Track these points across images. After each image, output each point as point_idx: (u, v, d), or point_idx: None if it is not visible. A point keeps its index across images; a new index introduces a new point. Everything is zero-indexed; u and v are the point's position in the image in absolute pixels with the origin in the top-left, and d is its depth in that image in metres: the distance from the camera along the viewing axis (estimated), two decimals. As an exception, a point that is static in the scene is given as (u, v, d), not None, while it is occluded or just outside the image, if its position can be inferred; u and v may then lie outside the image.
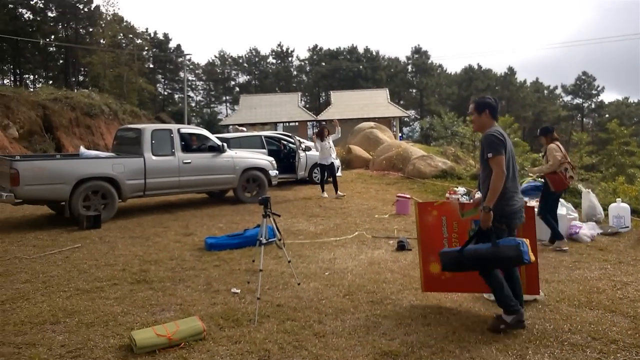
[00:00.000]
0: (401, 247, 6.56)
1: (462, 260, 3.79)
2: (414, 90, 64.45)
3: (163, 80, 61.38)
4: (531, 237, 4.01)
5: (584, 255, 6.15)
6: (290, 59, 67.20)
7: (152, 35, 56.48)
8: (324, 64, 63.88)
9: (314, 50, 65.98)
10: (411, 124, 63.75)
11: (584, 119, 68.25)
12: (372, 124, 23.39)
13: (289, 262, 4.88)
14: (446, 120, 41.64)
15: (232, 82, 67.39)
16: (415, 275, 5.30)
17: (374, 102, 43.62)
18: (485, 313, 4.14)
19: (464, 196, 8.66)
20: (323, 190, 11.69)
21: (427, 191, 12.59)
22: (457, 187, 9.74)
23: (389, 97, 44.90)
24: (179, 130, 9.82)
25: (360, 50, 64.34)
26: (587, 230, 7.01)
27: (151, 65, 56.61)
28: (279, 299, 4.59)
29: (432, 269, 4.48)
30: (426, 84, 61.00)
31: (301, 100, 49.18)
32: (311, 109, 52.92)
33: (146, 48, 51.73)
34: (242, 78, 67.35)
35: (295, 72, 68.10)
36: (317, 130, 12.10)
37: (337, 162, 15.01)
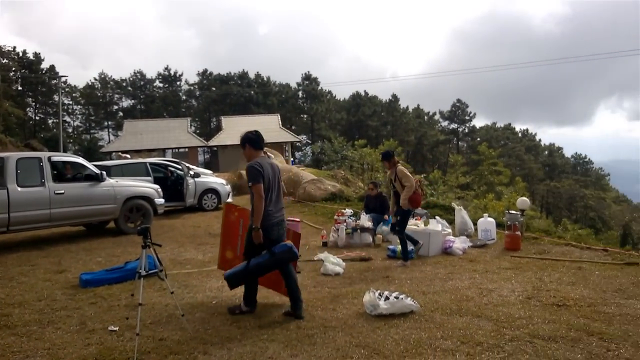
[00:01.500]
0: (290, 270, 6.60)
1: (250, 274, 4.65)
2: (305, 116, 66.01)
3: (34, 103, 56.35)
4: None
5: (457, 267, 6.67)
6: (178, 83, 65.47)
7: (21, 54, 51.85)
8: (214, 88, 63.16)
9: (204, 74, 65.07)
10: (303, 148, 65.00)
11: (459, 142, 74.58)
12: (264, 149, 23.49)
13: (172, 293, 4.69)
14: (336, 144, 43.16)
15: (115, 107, 63.83)
16: (303, 297, 5.36)
17: (266, 127, 43.81)
18: (368, 328, 4.29)
19: (351, 217, 8.99)
20: None
21: (318, 214, 12.88)
22: (345, 209, 10.07)
23: (280, 123, 45.52)
24: (49, 158, 9.03)
25: (252, 75, 64.73)
26: (460, 244, 7.63)
27: (19, 88, 51.86)
28: (162, 332, 4.38)
29: (227, 255, 5.53)
30: (316, 110, 62.82)
31: (191, 125, 47.99)
32: (202, 135, 51.90)
33: (13, 69, 47.39)
34: (127, 102, 64.10)
35: (184, 97, 66.42)
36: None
37: (227, 188, 14.83)
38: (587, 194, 63.27)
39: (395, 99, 69.57)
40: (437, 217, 8.64)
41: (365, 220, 8.50)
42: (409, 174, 6.95)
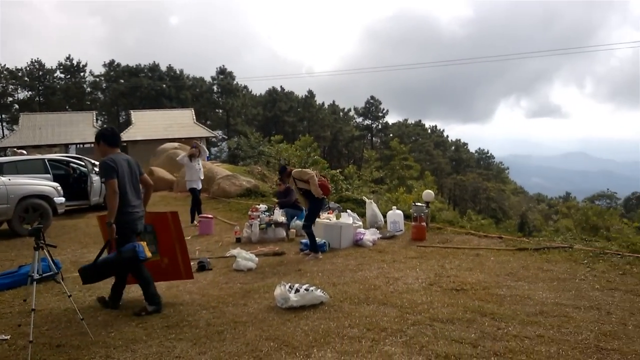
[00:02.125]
0: (202, 267, 6.49)
1: (99, 270, 4.66)
2: (220, 111, 64.71)
3: None
4: (167, 241, 5.21)
5: (366, 258, 6.91)
6: (82, 74, 61.28)
7: None
8: (122, 81, 59.89)
9: (111, 65, 61.43)
10: (219, 144, 63.73)
11: (374, 138, 76.89)
12: (175, 144, 22.75)
13: (70, 296, 4.43)
14: (252, 140, 42.80)
15: (10, 99, 58.54)
16: (215, 294, 5.31)
17: (179, 122, 42.53)
18: (278, 321, 4.34)
19: (266, 212, 9.00)
20: (193, 220, 10.40)
21: (232, 210, 12.73)
22: (260, 205, 10.06)
23: (194, 117, 44.25)
24: None
25: (163, 68, 62.20)
26: (370, 236, 7.90)
27: None
28: (59, 338, 4.14)
29: None
30: (232, 105, 61.79)
31: (97, 119, 45.28)
32: (110, 130, 49.02)
33: None
34: (23, 94, 58.95)
35: (89, 89, 62.32)
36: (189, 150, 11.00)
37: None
38: (489, 186, 67.96)
39: (311, 94, 70.20)
40: (348, 210, 8.89)
41: (279, 215, 8.55)
42: (302, 169, 7.23)
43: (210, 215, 9.41)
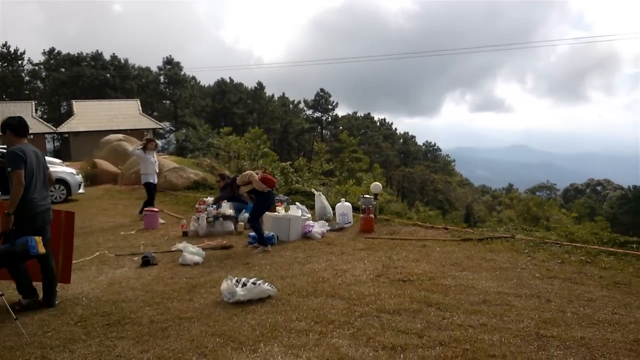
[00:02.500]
0: (146, 262, 6.26)
1: None
2: (168, 102, 62.91)
3: None
4: (54, 241, 4.95)
5: (315, 250, 6.89)
6: (20, 62, 57.83)
7: None
8: (63, 69, 57.02)
9: (51, 54, 58.29)
10: (166, 136, 61.98)
11: (323, 131, 77.13)
12: (120, 136, 21.89)
13: (2, 295, 4.15)
14: (201, 132, 41.99)
15: (-62, 87, 54.53)
16: (159, 290, 5.13)
17: (124, 113, 41.04)
18: (225, 316, 4.23)
19: (213, 205, 8.79)
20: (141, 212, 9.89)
21: (179, 203, 12.40)
22: (207, 197, 9.83)
23: (140, 108, 42.81)
24: None
25: (107, 57, 59.65)
26: (318, 228, 7.88)
27: None
28: (-11, 341, 3.86)
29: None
30: (180, 96, 60.18)
31: (36, 109, 42.84)
32: (50, 120, 46.69)
33: None
34: (-47, 82, 54.99)
35: (27, 78, 58.93)
36: (142, 142, 10.35)
37: (78, 178, 13.58)
38: (436, 178, 69.84)
39: (260, 86, 69.49)
40: (297, 203, 8.83)
41: (227, 208, 8.37)
42: (241, 174, 7.36)
43: (156, 209, 9.10)
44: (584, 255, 6.29)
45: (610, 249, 6.45)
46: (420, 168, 72.16)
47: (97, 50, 59.47)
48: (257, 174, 7.09)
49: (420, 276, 5.41)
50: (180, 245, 6.38)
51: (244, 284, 4.48)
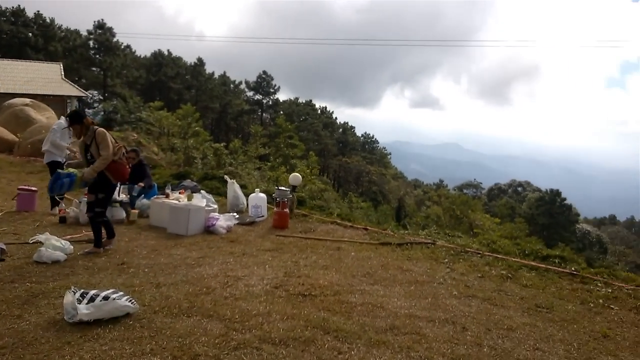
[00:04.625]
0: (-6, 255, 5.03)
1: None
2: (96, 69, 58.78)
3: None
4: None
5: (213, 249, 5.95)
6: None
7: None
8: (-23, 23, 51.65)
9: (-36, 4, 52.66)
10: (94, 105, 58.02)
11: (264, 114, 75.47)
12: (27, 100, 19.57)
13: None
14: (131, 104, 39.52)
15: None
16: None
17: (44, 76, 37.51)
18: (54, 344, 3.22)
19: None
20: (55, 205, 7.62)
21: (78, 181, 10.95)
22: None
23: (63, 73, 39.41)
24: None
25: (30, 14, 54.64)
26: (224, 221, 6.94)
27: None
28: None
29: None
30: (110, 64, 56.34)
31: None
32: (-44, 78, 42.10)
33: None
34: None
35: None
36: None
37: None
38: (371, 170, 70.45)
39: (200, 62, 66.71)
40: (203, 191, 7.84)
41: (119, 192, 7.18)
42: (109, 140, 5.40)
43: (34, 188, 7.73)
44: (505, 269, 5.80)
45: (532, 263, 6.01)
46: (357, 159, 72.47)
47: (19, 6, 54.35)
48: (120, 150, 5.55)
49: (324, 289, 4.64)
50: (41, 237, 5.18)
51: (92, 299, 3.48)
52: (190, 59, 67.65)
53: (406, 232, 7.75)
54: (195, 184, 8.96)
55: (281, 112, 69.88)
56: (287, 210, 7.58)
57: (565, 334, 4.01)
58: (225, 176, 8.64)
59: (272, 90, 73.49)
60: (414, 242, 6.85)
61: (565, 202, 56.11)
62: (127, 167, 5.69)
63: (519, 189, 77.47)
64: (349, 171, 72.13)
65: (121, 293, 3.73)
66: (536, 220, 54.29)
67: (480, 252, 6.43)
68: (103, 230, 5.57)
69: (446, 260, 6.10)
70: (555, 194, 56.31)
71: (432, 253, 6.40)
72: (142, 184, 7.77)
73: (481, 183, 79.80)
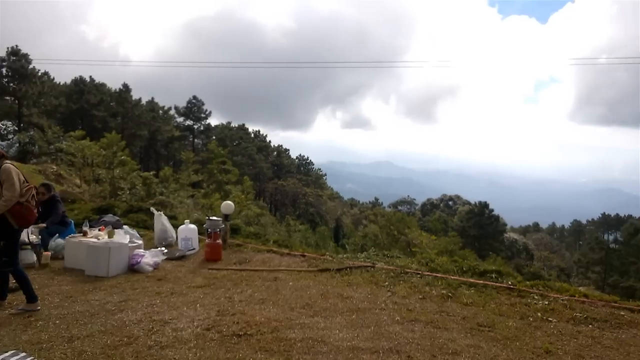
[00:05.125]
0: None
1: None
2: (10, 98, 55.12)
3: None
4: None
5: (138, 290, 5.45)
6: None
7: None
8: None
9: None
10: (9, 137, 54.22)
11: (195, 140, 73.83)
12: None
13: None
14: (50, 134, 37.29)
15: None
16: None
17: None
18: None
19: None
20: None
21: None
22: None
23: (-30, 103, 36.58)
24: None
25: None
26: (150, 258, 6.43)
27: None
28: None
29: None
30: (26, 92, 53.00)
31: None
32: None
33: None
34: None
35: None
36: None
37: None
38: (308, 192, 70.65)
39: (126, 88, 64.22)
40: (126, 226, 7.27)
41: (28, 233, 6.47)
42: (16, 178, 4.70)
43: None
44: (445, 288, 5.73)
45: (471, 280, 5.98)
46: (293, 181, 72.51)
47: None
48: (29, 191, 4.82)
49: (261, 327, 4.31)
50: None
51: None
52: (115, 85, 64.97)
53: (345, 256, 7.56)
54: (117, 218, 8.33)
55: (213, 137, 68.71)
56: (219, 241, 7.18)
57: (509, 353, 3.93)
58: (152, 208, 8.09)
59: (203, 115, 72.23)
60: (353, 266, 6.66)
61: (493, 213, 58.79)
62: (35, 210, 4.90)
63: (450, 202, 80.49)
64: (286, 194, 71.96)
65: (22, 355, 3.22)
66: (468, 232, 56.43)
67: (420, 272, 6.34)
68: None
69: (387, 283, 5.95)
70: (484, 205, 58.90)
71: (372, 277, 6.24)
72: (43, 225, 7.02)
73: (414, 199, 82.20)
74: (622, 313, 4.83)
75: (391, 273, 6.35)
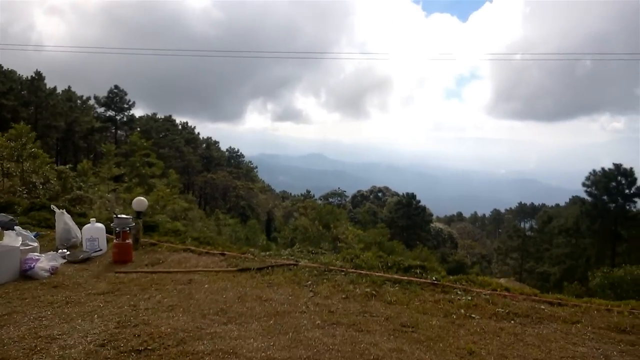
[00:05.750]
0: None
1: None
2: None
3: None
4: None
5: (27, 300, 4.78)
6: None
7: None
8: None
9: None
10: None
11: (118, 132, 70.20)
12: None
13: None
14: (-52, 125, 33.86)
15: None
16: None
17: None
18: None
19: None
20: None
21: None
22: None
23: None
24: None
25: None
26: (47, 262, 5.72)
27: None
28: None
29: None
30: None
31: None
32: None
33: None
34: None
35: None
36: None
37: None
38: (238, 185, 69.53)
39: (39, 76, 59.83)
40: (18, 227, 6.47)
41: None
42: None
43: None
44: (369, 286, 5.52)
45: (395, 277, 5.83)
46: (223, 174, 71.06)
47: None
48: None
49: (165, 339, 3.85)
50: None
51: None
52: (26, 72, 60.26)
53: (267, 253, 7.18)
54: (11, 217, 7.45)
55: (138, 129, 65.66)
56: (129, 241, 6.56)
57: (432, 356, 3.75)
58: (52, 206, 7.28)
59: (126, 105, 68.79)
60: (276, 264, 6.31)
61: (420, 204, 60.73)
62: None
63: (380, 194, 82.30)
64: (216, 187, 70.47)
65: None
66: (396, 223, 57.95)
67: (344, 269, 6.11)
68: None
69: (309, 282, 5.66)
70: (411, 197, 60.70)
71: (295, 275, 5.92)
72: None
73: (345, 191, 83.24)
74: (542, 307, 4.84)
75: (315, 271, 6.07)
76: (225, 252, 6.96)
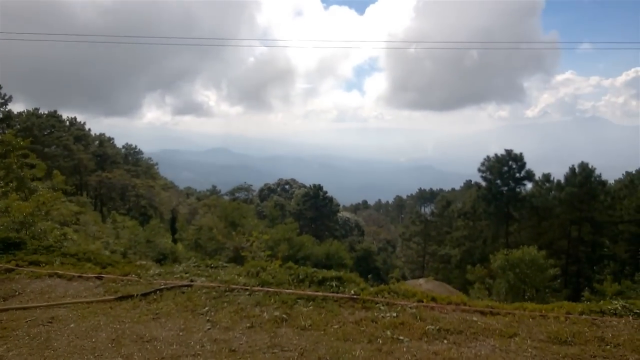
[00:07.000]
0: None
1: None
2: None
3: None
4: None
5: None
6: None
7: None
8: None
9: None
10: None
11: (-5, 130, 62.80)
12: None
13: None
14: None
15: None
16: None
17: None
18: None
19: None
20: None
21: None
22: None
23: None
24: None
25: None
26: None
27: None
28: None
29: None
30: None
31: None
32: None
33: None
34: None
35: None
36: None
37: None
38: (138, 183, 65.36)
39: None
40: None
41: None
42: None
43: None
44: (278, 308, 4.69)
45: (309, 292, 5.04)
46: (120, 172, 66.36)
47: None
48: None
49: None
50: None
51: None
52: None
53: (157, 272, 6.05)
54: None
55: (18, 127, 59.10)
56: (-31, 271, 5.13)
57: (359, 403, 3.00)
58: None
59: (1, 100, 61.60)
60: (166, 287, 5.25)
61: (326, 194, 61.08)
62: None
63: (287, 187, 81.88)
64: (112, 187, 65.71)
65: None
66: (305, 215, 57.79)
67: (249, 287, 5.21)
68: None
69: (206, 308, 4.69)
70: (318, 188, 60.83)
71: (189, 300, 4.92)
72: None
73: (252, 185, 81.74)
74: (474, 318, 4.31)
75: (213, 292, 5.10)
76: (103, 275, 5.73)
